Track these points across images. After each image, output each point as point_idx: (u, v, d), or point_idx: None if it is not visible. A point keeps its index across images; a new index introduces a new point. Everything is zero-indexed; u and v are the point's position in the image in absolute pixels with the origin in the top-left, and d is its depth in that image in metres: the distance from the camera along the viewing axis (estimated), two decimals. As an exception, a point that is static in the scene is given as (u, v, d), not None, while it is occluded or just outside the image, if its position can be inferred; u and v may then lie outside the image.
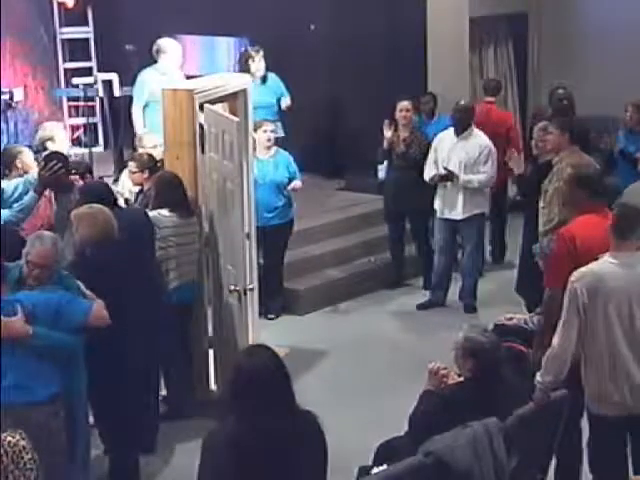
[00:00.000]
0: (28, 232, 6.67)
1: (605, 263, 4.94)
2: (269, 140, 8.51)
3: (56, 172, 6.66)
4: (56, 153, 7.02)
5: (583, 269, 4.93)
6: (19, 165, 7.26)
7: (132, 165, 7.40)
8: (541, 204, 7.18)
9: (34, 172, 6.99)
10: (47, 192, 6.77)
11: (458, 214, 8.72)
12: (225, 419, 3.89)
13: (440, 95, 10.22)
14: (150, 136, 8.00)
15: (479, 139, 8.73)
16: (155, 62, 9.19)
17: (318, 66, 10.95)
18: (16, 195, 6.93)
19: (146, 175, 7.24)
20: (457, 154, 8.66)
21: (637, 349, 4.89)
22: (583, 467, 5.49)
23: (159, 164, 7.32)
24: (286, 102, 9.56)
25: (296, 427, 3.88)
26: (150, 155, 7.44)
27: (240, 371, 3.89)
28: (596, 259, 5.07)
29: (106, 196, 6.26)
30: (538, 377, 4.99)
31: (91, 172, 7.42)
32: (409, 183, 9.00)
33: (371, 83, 10.67)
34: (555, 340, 4.97)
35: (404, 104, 9.14)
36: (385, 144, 9.09)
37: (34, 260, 5.16)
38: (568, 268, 5.14)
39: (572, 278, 4.92)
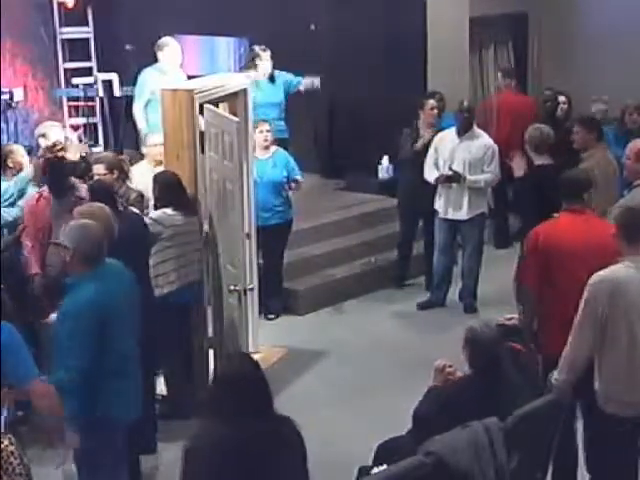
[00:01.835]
0: (30, 235, 6.67)
1: (622, 268, 4.93)
2: (266, 140, 8.51)
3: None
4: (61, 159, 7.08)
5: (601, 273, 4.92)
6: (10, 164, 7.29)
7: (100, 167, 7.07)
8: None
9: (28, 170, 7.04)
10: (46, 193, 6.76)
11: (463, 215, 8.71)
12: (206, 424, 3.93)
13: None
14: (154, 135, 8.01)
15: (482, 139, 8.72)
16: (156, 61, 9.24)
17: (318, 66, 10.95)
18: (7, 196, 6.99)
19: (115, 175, 7.04)
20: (461, 154, 8.63)
21: None
22: (579, 469, 5.50)
23: (126, 165, 7.29)
24: (302, 85, 9.62)
25: (276, 431, 3.92)
26: (115, 155, 7.39)
27: (224, 376, 3.95)
28: (568, 258, 5.28)
29: (108, 197, 6.27)
30: (555, 375, 5.05)
31: (90, 173, 7.33)
32: (426, 182, 8.90)
33: (371, 83, 10.66)
34: (569, 342, 4.99)
35: (432, 102, 9.06)
36: (420, 145, 8.92)
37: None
38: (534, 265, 5.59)
39: (590, 282, 4.92)
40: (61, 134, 8.13)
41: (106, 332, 4.92)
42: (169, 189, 6.70)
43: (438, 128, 9.08)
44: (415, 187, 9.04)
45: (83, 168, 7.31)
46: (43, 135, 7.87)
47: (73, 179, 6.91)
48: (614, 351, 4.92)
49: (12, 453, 3.95)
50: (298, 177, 8.60)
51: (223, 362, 4.17)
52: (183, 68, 9.77)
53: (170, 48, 9.20)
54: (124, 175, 7.14)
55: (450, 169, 8.59)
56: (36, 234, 6.66)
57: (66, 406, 4.80)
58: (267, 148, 8.54)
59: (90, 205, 5.80)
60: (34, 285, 6.62)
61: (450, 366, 5.14)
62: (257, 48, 9.46)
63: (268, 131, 8.56)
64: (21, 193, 7.16)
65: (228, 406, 3.86)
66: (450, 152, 8.66)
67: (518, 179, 8.36)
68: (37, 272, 6.62)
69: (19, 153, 7.44)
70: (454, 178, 8.60)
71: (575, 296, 4.99)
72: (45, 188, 6.83)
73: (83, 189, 6.82)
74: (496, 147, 8.74)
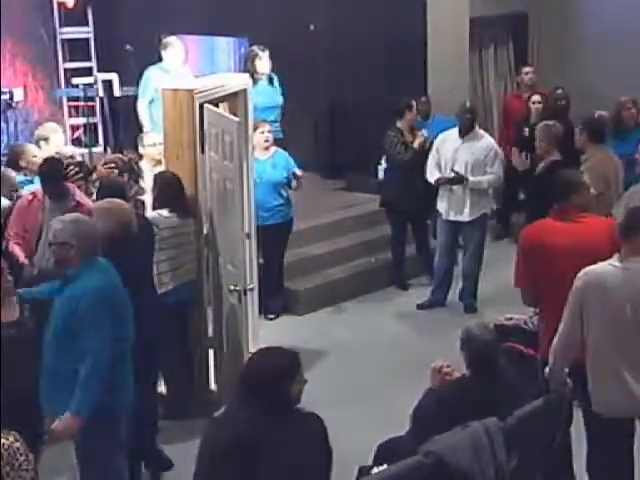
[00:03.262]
0: (19, 235, 6.59)
1: (605, 265, 4.94)
2: (267, 141, 8.51)
3: (73, 177, 6.71)
4: (77, 162, 7.07)
5: (586, 269, 4.94)
6: (23, 164, 7.29)
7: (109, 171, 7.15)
8: None
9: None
10: (40, 195, 6.69)
11: (465, 216, 8.71)
12: (228, 416, 3.95)
13: (440, 95, 10.22)
14: (150, 135, 8.00)
15: (485, 140, 8.72)
16: (161, 60, 9.33)
17: (318, 66, 10.95)
18: None
19: (125, 178, 7.10)
20: (463, 156, 8.62)
21: (628, 352, 4.88)
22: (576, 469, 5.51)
23: (136, 165, 7.27)
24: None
25: (301, 426, 3.96)
26: (120, 157, 7.37)
27: (254, 369, 3.99)
28: (553, 258, 5.33)
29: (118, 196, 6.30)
30: (546, 369, 5.07)
31: (92, 174, 7.31)
32: (417, 182, 8.92)
33: (371, 83, 10.67)
34: (557, 333, 5.01)
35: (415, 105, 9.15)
36: (417, 144, 9.01)
37: (50, 240, 5.19)
38: (522, 266, 5.62)
39: (578, 275, 4.94)
40: (62, 138, 8.14)
41: (113, 319, 5.01)
42: (168, 190, 6.69)
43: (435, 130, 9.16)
44: (403, 189, 9.08)
45: (86, 170, 7.29)
46: (45, 139, 7.83)
47: (70, 184, 6.86)
48: (596, 350, 4.92)
49: (18, 449, 3.96)
50: (296, 170, 8.56)
51: (261, 352, 4.20)
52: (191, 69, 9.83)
53: (173, 47, 9.33)
54: (135, 175, 7.15)
55: (452, 170, 8.59)
56: (23, 235, 6.59)
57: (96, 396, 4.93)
58: (267, 149, 8.54)
59: (109, 201, 5.80)
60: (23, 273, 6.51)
61: (448, 366, 5.15)
62: (255, 48, 9.47)
63: (269, 132, 8.56)
64: None
65: (255, 396, 3.89)
66: (452, 153, 8.66)
67: (533, 176, 8.32)
68: (24, 261, 6.53)
69: (30, 153, 7.44)
70: (456, 180, 8.59)
71: (564, 297, 5.00)
72: (38, 189, 6.77)
73: (79, 194, 6.78)
74: (498, 148, 8.75)
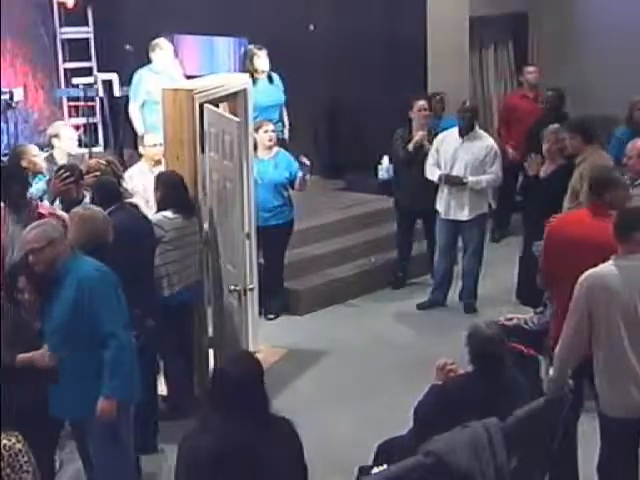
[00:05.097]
0: None
1: (606, 267, 4.95)
2: (270, 140, 8.49)
3: (65, 181, 6.68)
4: (69, 165, 7.06)
5: (588, 272, 4.95)
6: (25, 164, 7.28)
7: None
8: (567, 204, 7.25)
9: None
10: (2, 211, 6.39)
11: (464, 215, 8.70)
12: (203, 421, 3.95)
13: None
14: (150, 135, 8.01)
15: (484, 140, 8.71)
16: (150, 62, 9.32)
17: (318, 66, 10.95)
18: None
19: None
20: (463, 155, 8.61)
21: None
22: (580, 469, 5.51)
23: (115, 167, 7.27)
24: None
25: (273, 430, 3.94)
26: (99, 161, 7.36)
27: (228, 374, 3.97)
28: (567, 253, 5.40)
29: (115, 194, 6.31)
30: (550, 372, 5.08)
31: (83, 178, 7.21)
32: (424, 182, 8.90)
33: (371, 83, 10.66)
34: (560, 338, 5.01)
35: (422, 103, 9.05)
36: (411, 146, 8.94)
37: (25, 249, 5.15)
38: (546, 257, 5.73)
39: (581, 279, 4.95)
40: (72, 132, 8.16)
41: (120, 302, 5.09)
42: (173, 190, 6.67)
43: (439, 129, 9.11)
44: (411, 188, 9.05)
45: (78, 174, 7.23)
46: (56, 136, 7.87)
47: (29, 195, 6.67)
48: (601, 350, 4.93)
49: (20, 451, 3.97)
50: (306, 177, 8.58)
51: (226, 359, 4.17)
52: (183, 68, 9.80)
53: (161, 48, 9.30)
54: (117, 178, 7.11)
55: (448, 175, 8.61)
56: None
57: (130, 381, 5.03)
58: (270, 149, 8.53)
59: (85, 207, 5.80)
60: None
61: (452, 363, 5.16)
62: (253, 47, 9.46)
63: (273, 131, 8.54)
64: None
65: (228, 404, 3.87)
66: (452, 153, 8.65)
67: (540, 179, 8.31)
68: None
69: (31, 153, 7.45)
70: (454, 181, 8.60)
71: (572, 289, 5.02)
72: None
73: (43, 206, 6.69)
74: (497, 148, 8.75)
